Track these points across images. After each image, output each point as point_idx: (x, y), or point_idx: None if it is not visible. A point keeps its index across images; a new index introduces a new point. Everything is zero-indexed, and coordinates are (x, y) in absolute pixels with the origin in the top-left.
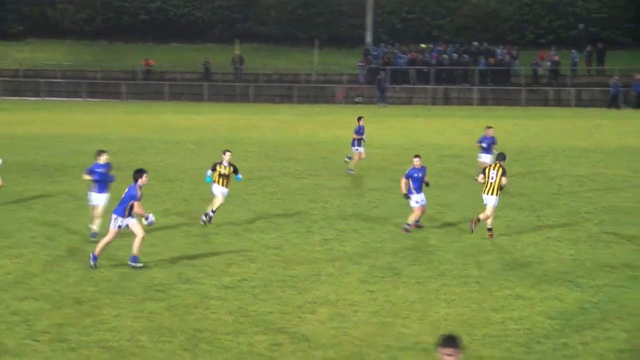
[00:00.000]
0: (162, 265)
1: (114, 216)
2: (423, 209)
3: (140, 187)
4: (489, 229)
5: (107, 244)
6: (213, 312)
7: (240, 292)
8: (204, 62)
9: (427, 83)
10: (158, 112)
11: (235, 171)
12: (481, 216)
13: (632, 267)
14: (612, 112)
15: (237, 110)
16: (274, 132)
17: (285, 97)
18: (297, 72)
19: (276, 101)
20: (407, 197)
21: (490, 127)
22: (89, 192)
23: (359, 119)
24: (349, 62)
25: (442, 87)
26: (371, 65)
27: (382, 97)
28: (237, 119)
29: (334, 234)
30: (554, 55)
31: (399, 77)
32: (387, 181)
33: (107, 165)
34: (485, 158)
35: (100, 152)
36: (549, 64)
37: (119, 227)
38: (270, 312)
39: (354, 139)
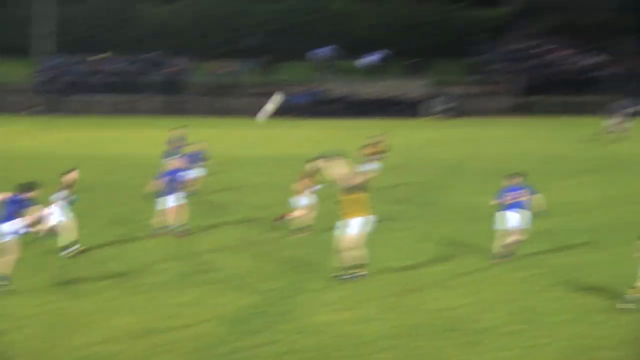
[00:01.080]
0: None
1: None
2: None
3: (22, 199)
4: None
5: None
6: None
7: None
8: None
9: (104, 92)
10: None
11: None
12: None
13: (300, 271)
14: (284, 122)
15: None
16: None
17: None
18: None
19: None
20: (158, 196)
21: (199, 142)
22: None
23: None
24: (22, 72)
25: (116, 96)
26: (44, 76)
27: (55, 108)
28: None
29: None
30: (229, 65)
31: (76, 87)
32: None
33: None
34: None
35: None
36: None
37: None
38: None
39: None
